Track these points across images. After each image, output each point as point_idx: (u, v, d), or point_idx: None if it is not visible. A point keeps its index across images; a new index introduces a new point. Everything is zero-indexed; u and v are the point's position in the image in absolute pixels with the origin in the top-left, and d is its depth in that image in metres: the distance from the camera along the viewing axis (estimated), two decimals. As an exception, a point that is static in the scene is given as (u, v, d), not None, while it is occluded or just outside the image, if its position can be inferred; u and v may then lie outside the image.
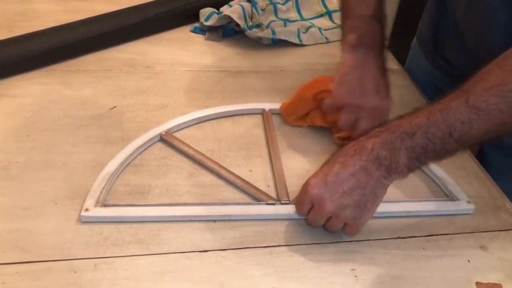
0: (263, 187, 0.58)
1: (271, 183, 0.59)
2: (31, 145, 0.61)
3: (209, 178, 0.59)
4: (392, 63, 0.89)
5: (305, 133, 0.69)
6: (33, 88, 0.70)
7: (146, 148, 0.62)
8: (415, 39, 0.87)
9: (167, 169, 0.60)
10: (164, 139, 0.64)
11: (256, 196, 0.57)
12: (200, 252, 0.50)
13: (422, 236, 0.55)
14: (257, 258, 0.50)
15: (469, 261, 0.52)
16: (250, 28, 0.89)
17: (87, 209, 0.53)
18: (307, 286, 0.48)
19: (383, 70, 0.61)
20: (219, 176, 0.59)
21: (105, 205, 0.54)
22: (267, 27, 0.92)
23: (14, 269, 0.46)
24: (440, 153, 0.48)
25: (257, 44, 0.89)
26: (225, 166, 0.60)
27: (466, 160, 0.67)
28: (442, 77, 0.79)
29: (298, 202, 0.53)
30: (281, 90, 0.77)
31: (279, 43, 0.89)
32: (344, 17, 0.64)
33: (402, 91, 0.80)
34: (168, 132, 0.65)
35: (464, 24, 0.70)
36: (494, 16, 0.63)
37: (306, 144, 0.67)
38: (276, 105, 0.72)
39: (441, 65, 0.78)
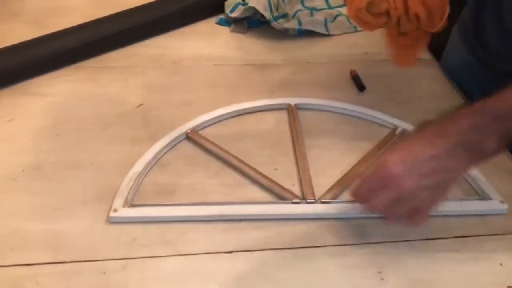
0: (288, 186, 0.58)
1: (296, 181, 0.59)
2: (61, 145, 0.62)
3: (235, 176, 0.59)
4: (423, 53, 0.86)
5: (332, 129, 0.67)
6: (62, 87, 0.72)
7: (172, 147, 0.63)
8: (456, 25, 0.83)
9: (193, 167, 0.60)
10: (190, 137, 0.64)
11: (281, 194, 0.57)
12: (226, 253, 0.51)
13: (451, 237, 0.54)
14: (282, 260, 0.50)
15: (501, 264, 0.51)
16: (276, 18, 0.87)
17: (115, 210, 0.53)
18: (333, 289, 0.48)
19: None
20: (244, 174, 0.59)
21: (133, 205, 0.55)
22: (293, 16, 0.90)
23: (46, 269, 0.48)
24: None
25: (283, 35, 0.87)
26: (250, 164, 0.60)
27: (499, 156, 0.64)
28: (479, 67, 0.76)
29: (367, 179, 0.49)
30: (307, 83, 0.76)
31: (305, 34, 0.88)
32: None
33: (431, 81, 0.78)
34: (194, 130, 0.65)
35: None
36: None
37: (333, 141, 0.65)
38: (301, 100, 0.71)
39: (479, 52, 0.75)
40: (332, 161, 0.62)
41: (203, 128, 0.66)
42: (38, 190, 0.56)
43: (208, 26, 0.89)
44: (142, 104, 0.69)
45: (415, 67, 0.69)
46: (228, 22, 0.90)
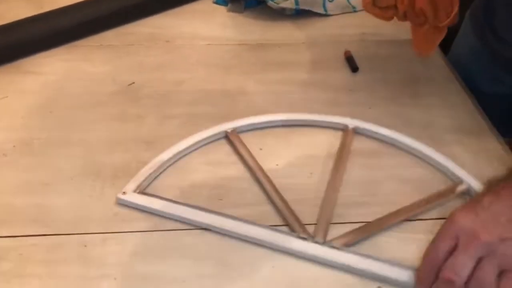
0: (307, 216, 0.53)
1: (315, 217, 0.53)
2: (52, 122, 0.64)
3: (256, 191, 0.56)
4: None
5: (383, 165, 0.60)
6: (56, 65, 0.73)
7: (207, 143, 0.61)
8: (468, 12, 0.82)
9: (219, 170, 0.58)
10: (228, 137, 0.62)
11: (292, 225, 0.52)
12: (202, 230, 0.52)
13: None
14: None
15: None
16: (273, -2, 0.87)
17: (124, 192, 0.54)
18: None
19: None
20: (265, 192, 0.56)
21: (143, 193, 0.54)
22: (291, -5, 0.89)
23: (30, 241, 0.50)
24: None
25: (280, 15, 0.87)
26: (278, 182, 0.56)
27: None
28: (487, 55, 0.75)
29: (437, 240, 0.42)
30: (300, 63, 0.76)
31: (303, 13, 0.87)
32: None
33: (428, 64, 0.77)
34: (234, 131, 0.62)
35: None
36: None
37: (379, 179, 0.58)
38: (362, 123, 0.63)
39: (487, 38, 0.74)
40: (365, 203, 0.55)
41: (246, 131, 0.63)
42: (27, 166, 0.58)
43: (205, 6, 0.89)
44: (133, 82, 0.70)
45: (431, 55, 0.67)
46: (225, 1, 0.89)
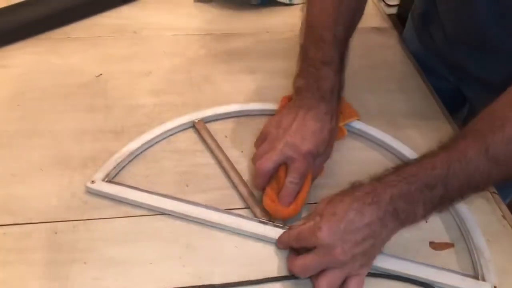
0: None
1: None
2: (21, 114, 0.65)
3: (221, 178, 0.59)
4: (382, 21, 0.88)
5: (341, 149, 0.63)
6: (24, 58, 0.74)
7: (175, 133, 0.63)
8: (409, 15, 0.85)
9: (185, 158, 0.61)
10: (195, 127, 0.64)
11: (253, 209, 0.55)
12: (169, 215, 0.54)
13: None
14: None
15: (426, 222, 0.55)
16: (239, -12, 0.89)
17: (93, 181, 0.56)
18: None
19: (322, 116, 0.56)
20: (229, 179, 0.58)
21: (111, 182, 0.56)
22: (256, -14, 0.91)
23: (1, 230, 0.52)
24: (454, 201, 0.49)
25: (246, 4, 0.89)
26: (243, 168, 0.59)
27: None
28: (431, 57, 0.78)
29: (299, 237, 0.49)
30: (263, 52, 0.78)
31: (268, 3, 0.89)
32: (298, 58, 0.61)
33: (387, 51, 0.80)
34: (202, 121, 0.64)
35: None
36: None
37: (338, 163, 0.61)
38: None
39: (435, 42, 0.76)
40: (325, 184, 0.59)
41: (213, 120, 0.65)
42: (-4, 158, 0.59)
43: (172, -4, 0.90)
44: (101, 74, 0.72)
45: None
46: (192, -9, 0.91)
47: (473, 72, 0.70)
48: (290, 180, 0.53)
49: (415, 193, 0.46)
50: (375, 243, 0.47)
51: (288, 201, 0.53)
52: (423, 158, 0.48)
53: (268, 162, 0.54)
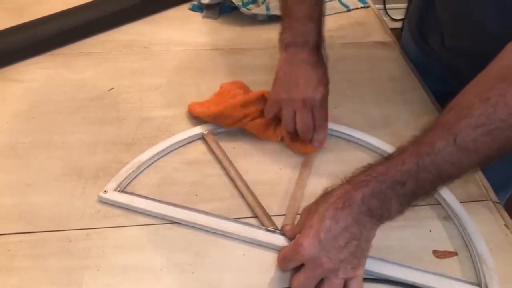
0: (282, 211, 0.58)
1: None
2: (36, 127, 0.67)
3: (229, 187, 0.60)
4: (386, 36, 0.90)
5: (346, 160, 0.64)
6: (39, 73, 0.76)
7: (185, 144, 0.65)
8: (405, 23, 0.87)
9: (195, 169, 0.63)
10: (204, 138, 0.66)
11: (261, 218, 0.57)
12: (178, 224, 0.56)
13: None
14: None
15: (430, 231, 0.56)
16: (246, 4, 0.91)
17: (105, 191, 0.58)
18: None
19: (317, 66, 0.64)
20: (237, 188, 0.60)
21: (124, 191, 0.58)
22: (263, 2, 0.94)
23: (17, 238, 0.53)
24: (429, 193, 0.49)
25: (253, 20, 0.91)
26: (250, 178, 0.61)
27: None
28: (429, 62, 0.79)
29: (285, 259, 0.49)
30: (269, 67, 0.80)
31: (274, 19, 0.91)
32: (282, 17, 0.68)
33: (390, 64, 0.82)
34: (210, 132, 0.67)
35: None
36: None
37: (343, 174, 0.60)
38: (329, 125, 0.67)
39: (433, 48, 0.78)
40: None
41: (223, 132, 0.67)
42: (12, 168, 0.61)
43: (181, 12, 0.93)
44: (113, 88, 0.74)
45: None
46: (200, 8, 0.94)
47: (469, 76, 0.71)
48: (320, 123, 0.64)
49: (387, 191, 0.47)
50: (359, 244, 0.48)
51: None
52: (393, 155, 0.49)
53: (307, 121, 0.62)
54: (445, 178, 0.47)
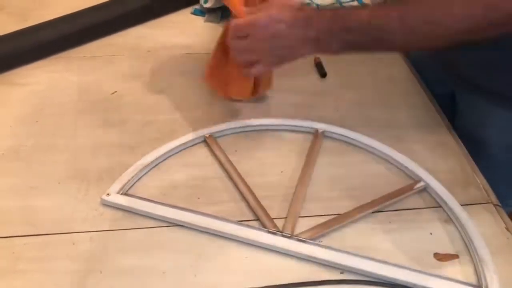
0: (280, 213, 0.58)
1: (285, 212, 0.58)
2: (39, 130, 0.68)
3: (231, 190, 0.61)
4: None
5: (348, 163, 0.66)
6: (42, 76, 0.77)
7: (187, 147, 0.66)
8: None
9: (198, 173, 0.63)
10: (206, 141, 0.67)
11: (262, 220, 0.57)
12: (181, 226, 0.56)
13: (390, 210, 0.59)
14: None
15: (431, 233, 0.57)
16: (248, 8, 0.92)
17: (108, 194, 0.58)
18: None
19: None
20: (239, 191, 0.60)
21: (126, 194, 0.59)
22: (265, 6, 0.94)
23: (22, 241, 0.54)
24: (370, 50, 0.60)
25: (255, 24, 0.92)
26: (252, 180, 0.61)
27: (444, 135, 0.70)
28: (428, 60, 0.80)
29: (238, 25, 0.60)
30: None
31: (276, 22, 0.92)
32: None
33: (390, 66, 0.82)
34: (212, 135, 0.67)
35: None
36: None
37: (344, 177, 0.64)
38: (329, 127, 0.69)
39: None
40: (332, 198, 0.61)
41: (224, 135, 0.68)
42: (16, 171, 0.62)
43: (183, 16, 0.93)
44: (116, 91, 0.75)
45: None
46: (202, 12, 0.94)
47: (469, 76, 0.72)
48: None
49: (340, 33, 0.56)
50: (290, 51, 0.59)
51: None
52: (359, 7, 0.58)
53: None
54: (387, 45, 0.58)
